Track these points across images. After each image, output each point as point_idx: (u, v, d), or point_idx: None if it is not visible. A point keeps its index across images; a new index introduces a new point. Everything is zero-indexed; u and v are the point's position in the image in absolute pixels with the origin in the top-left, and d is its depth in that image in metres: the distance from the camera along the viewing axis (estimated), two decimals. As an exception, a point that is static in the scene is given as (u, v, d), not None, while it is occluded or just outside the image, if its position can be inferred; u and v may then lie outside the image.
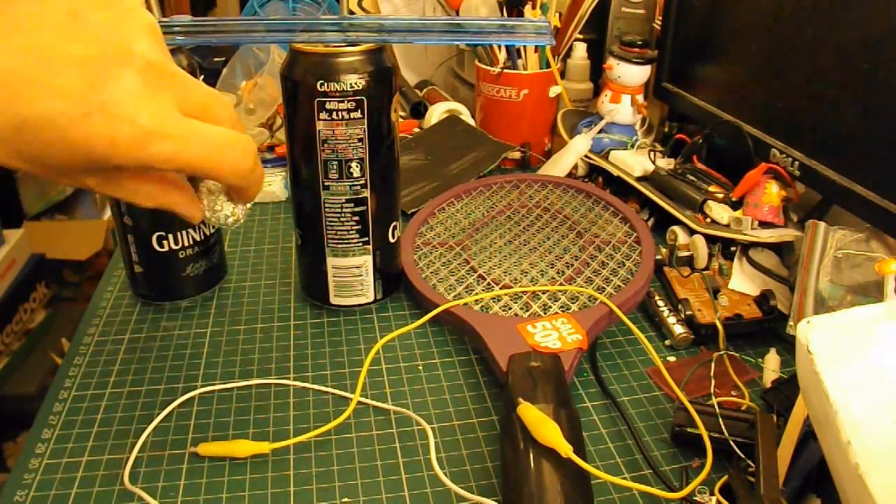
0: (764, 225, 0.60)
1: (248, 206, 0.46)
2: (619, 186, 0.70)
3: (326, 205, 0.51)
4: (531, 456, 0.36)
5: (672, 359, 0.51)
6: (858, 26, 0.51)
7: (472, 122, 0.87)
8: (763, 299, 0.53)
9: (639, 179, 0.69)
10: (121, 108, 0.28)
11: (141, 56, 0.29)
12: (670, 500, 0.39)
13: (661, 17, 0.78)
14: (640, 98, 0.76)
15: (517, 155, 0.82)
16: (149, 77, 0.29)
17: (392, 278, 0.57)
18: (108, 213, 1.75)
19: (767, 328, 0.53)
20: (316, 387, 0.48)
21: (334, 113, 0.48)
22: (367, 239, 0.53)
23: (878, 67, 0.50)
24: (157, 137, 0.29)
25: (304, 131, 0.49)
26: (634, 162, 0.70)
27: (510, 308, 0.52)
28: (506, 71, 0.81)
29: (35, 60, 0.28)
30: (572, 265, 0.57)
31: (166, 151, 0.30)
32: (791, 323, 0.50)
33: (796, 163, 0.57)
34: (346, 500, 0.40)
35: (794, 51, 0.58)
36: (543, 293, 0.54)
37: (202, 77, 0.88)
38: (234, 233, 0.68)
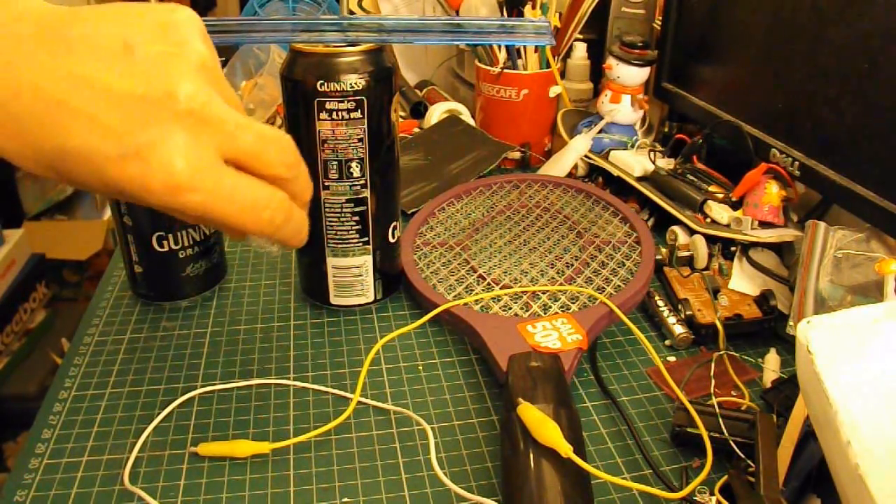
0: (764, 225, 0.60)
1: None
2: (619, 186, 0.70)
3: (326, 205, 0.51)
4: (531, 456, 0.36)
5: (672, 359, 0.51)
6: (858, 26, 0.51)
7: (472, 122, 0.87)
8: (763, 299, 0.53)
9: (639, 179, 0.69)
10: (157, 153, 0.28)
11: (186, 100, 0.29)
12: (670, 500, 0.39)
13: (661, 18, 0.78)
14: (640, 97, 0.76)
15: (517, 155, 0.82)
16: (191, 123, 0.29)
17: (392, 278, 0.57)
18: (108, 213, 1.75)
19: (767, 328, 0.53)
20: (316, 387, 0.48)
21: (334, 113, 0.48)
22: (367, 239, 0.53)
23: (878, 67, 0.50)
24: (188, 191, 0.29)
25: (304, 131, 0.49)
26: (634, 162, 0.70)
27: (510, 308, 0.52)
28: (506, 71, 0.81)
29: (82, 91, 0.28)
30: (572, 265, 0.57)
31: (196, 203, 0.29)
32: (791, 323, 0.50)
33: (796, 163, 0.57)
34: (346, 500, 0.40)
35: (794, 51, 0.58)
36: (543, 293, 0.54)
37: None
38: (234, 233, 0.68)
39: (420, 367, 0.50)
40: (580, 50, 0.88)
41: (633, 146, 0.74)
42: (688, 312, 0.52)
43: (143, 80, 0.28)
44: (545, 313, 0.51)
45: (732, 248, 0.59)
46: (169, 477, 0.41)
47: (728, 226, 0.60)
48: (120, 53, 0.28)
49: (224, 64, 0.92)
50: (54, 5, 0.29)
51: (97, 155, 0.28)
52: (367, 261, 0.54)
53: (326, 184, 0.51)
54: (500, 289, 0.54)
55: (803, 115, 0.57)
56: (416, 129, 0.87)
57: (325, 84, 0.47)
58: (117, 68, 0.28)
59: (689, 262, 0.60)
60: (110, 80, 0.28)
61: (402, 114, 0.91)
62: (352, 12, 0.97)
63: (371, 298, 0.56)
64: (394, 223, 0.55)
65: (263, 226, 0.32)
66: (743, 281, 0.56)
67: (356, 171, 0.50)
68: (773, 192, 0.59)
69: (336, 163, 0.50)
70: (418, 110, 0.91)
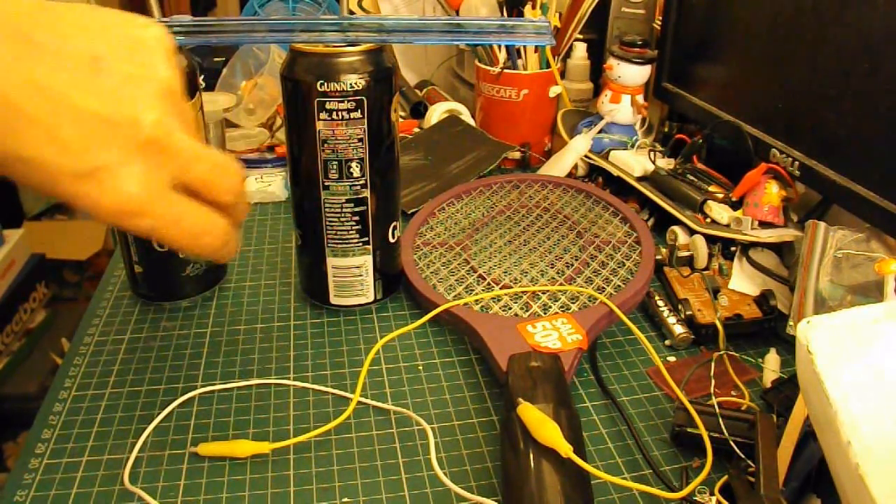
0: (764, 225, 0.60)
1: None
2: (619, 186, 0.70)
3: (326, 205, 0.51)
4: (531, 456, 0.36)
5: (672, 359, 0.51)
6: (858, 26, 0.51)
7: (472, 122, 0.87)
8: (763, 299, 0.53)
9: (639, 179, 0.69)
10: (113, 178, 0.28)
11: (149, 129, 0.29)
12: (670, 500, 0.39)
13: (661, 17, 0.78)
14: (640, 98, 0.76)
15: (517, 155, 0.82)
16: (148, 151, 0.29)
17: (392, 278, 0.57)
18: (108, 213, 1.74)
19: (767, 328, 0.53)
20: (316, 387, 0.48)
21: (334, 113, 0.48)
22: (367, 239, 0.53)
23: (878, 67, 0.50)
24: (137, 215, 0.30)
25: (304, 131, 0.49)
26: (634, 162, 0.70)
27: (510, 308, 0.52)
28: (506, 71, 0.81)
29: (43, 102, 0.27)
30: (572, 265, 0.57)
31: (142, 227, 0.30)
32: (791, 323, 0.50)
33: (796, 163, 0.57)
34: (346, 500, 0.40)
35: (793, 51, 0.58)
36: (543, 293, 0.54)
37: (202, 77, 0.88)
38: (234, 233, 0.68)
39: (420, 367, 0.50)
40: (580, 50, 0.88)
41: (633, 146, 0.74)
42: (688, 312, 0.52)
43: (108, 100, 0.28)
44: (545, 313, 0.51)
45: (732, 248, 0.59)
46: (169, 477, 0.41)
47: (728, 226, 0.60)
48: (86, 68, 0.28)
49: (224, 64, 0.92)
50: None
51: (51, 168, 0.28)
52: (367, 261, 0.54)
53: (326, 184, 0.51)
54: (500, 289, 0.54)
55: (803, 115, 0.57)
56: (416, 129, 0.87)
57: (325, 84, 0.47)
58: (83, 84, 0.28)
59: (689, 262, 0.60)
60: (74, 95, 0.28)
61: (402, 114, 0.91)
62: (352, 12, 0.97)
63: (371, 298, 0.56)
64: (394, 223, 0.55)
65: (202, 249, 0.33)
66: (743, 281, 0.56)
67: (356, 171, 0.50)
68: (773, 192, 0.59)
69: (336, 163, 0.50)
70: (418, 110, 0.91)
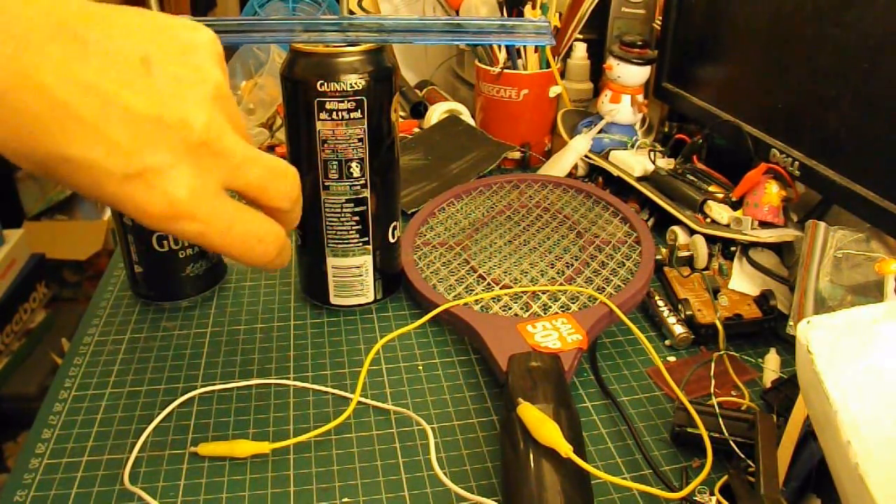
0: (764, 225, 0.60)
1: None
2: (619, 186, 0.70)
3: (326, 205, 0.51)
4: (531, 456, 0.36)
5: (672, 359, 0.51)
6: (858, 26, 0.51)
7: (472, 122, 0.87)
8: (763, 299, 0.53)
9: (639, 179, 0.69)
10: (161, 179, 0.28)
11: (200, 131, 0.28)
12: (670, 500, 0.39)
13: (661, 17, 0.78)
14: (640, 98, 0.76)
15: (517, 155, 0.82)
16: (199, 154, 0.28)
17: (392, 278, 0.57)
18: (108, 213, 1.75)
19: (767, 328, 0.53)
20: (316, 387, 0.48)
21: (334, 113, 0.48)
22: (367, 239, 0.53)
23: (878, 67, 0.50)
24: (185, 219, 0.29)
25: (304, 131, 0.49)
26: (634, 162, 0.70)
27: (510, 308, 0.52)
28: (506, 71, 0.81)
29: (92, 100, 0.26)
30: (572, 265, 0.57)
31: (191, 232, 0.29)
32: (791, 323, 0.50)
33: (796, 163, 0.57)
34: (346, 500, 0.40)
35: (794, 51, 0.58)
36: (543, 293, 0.54)
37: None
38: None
39: (420, 367, 0.50)
40: (580, 50, 0.88)
41: (633, 146, 0.74)
42: (688, 312, 0.52)
43: (158, 101, 0.27)
44: (545, 313, 0.51)
45: (732, 248, 0.59)
46: (169, 477, 0.41)
47: (728, 226, 0.60)
48: (137, 68, 0.27)
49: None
50: None
51: (98, 169, 0.27)
52: (367, 261, 0.54)
53: (326, 184, 0.51)
54: (500, 289, 0.54)
55: (803, 115, 0.57)
56: (416, 129, 0.87)
57: (325, 84, 0.47)
58: (133, 84, 0.27)
59: (689, 262, 0.60)
60: (124, 95, 0.27)
61: (402, 114, 0.91)
62: (352, 12, 0.97)
63: (371, 298, 0.56)
64: (394, 223, 0.55)
65: (255, 258, 0.32)
66: (743, 281, 0.56)
67: (356, 171, 0.50)
68: (773, 192, 0.59)
69: (336, 163, 0.50)
70: (418, 110, 0.91)
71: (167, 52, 0.28)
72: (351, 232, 0.52)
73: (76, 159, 0.27)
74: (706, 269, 0.59)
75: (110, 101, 0.27)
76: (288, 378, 0.49)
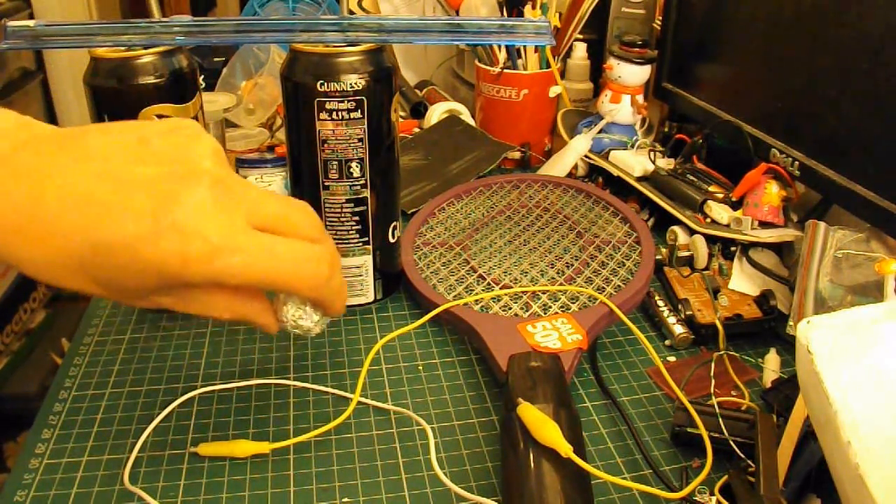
0: (764, 225, 0.60)
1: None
2: (619, 186, 0.70)
3: (326, 205, 0.51)
4: (531, 456, 0.36)
5: (672, 359, 0.51)
6: (858, 26, 0.51)
7: (472, 122, 0.87)
8: (763, 299, 0.53)
9: (639, 179, 0.69)
10: (190, 224, 0.29)
11: (209, 173, 0.30)
12: (670, 500, 0.39)
13: (661, 17, 0.78)
14: (640, 98, 0.76)
15: (517, 155, 0.82)
16: (218, 193, 0.30)
17: (392, 278, 0.57)
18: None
19: (767, 328, 0.52)
20: (316, 387, 0.48)
21: (334, 113, 0.48)
22: (367, 239, 0.53)
23: (878, 67, 0.50)
24: (227, 253, 0.29)
25: (304, 131, 0.49)
26: (634, 162, 0.70)
27: (510, 308, 0.52)
28: (506, 71, 0.81)
29: (108, 184, 0.28)
30: (572, 265, 0.57)
31: (235, 266, 0.30)
32: (791, 323, 0.50)
33: (796, 163, 0.57)
34: (346, 500, 0.40)
35: (794, 51, 0.58)
36: (543, 293, 0.54)
37: (202, 77, 0.88)
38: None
39: (420, 367, 0.50)
40: (580, 50, 0.88)
41: (633, 146, 0.74)
42: (688, 312, 0.52)
43: (165, 163, 0.30)
44: (545, 313, 0.51)
45: (732, 248, 0.59)
46: (169, 477, 0.41)
47: (728, 226, 0.60)
48: (138, 147, 0.30)
49: (224, 64, 0.92)
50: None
51: (133, 238, 0.28)
52: (367, 261, 0.54)
53: (326, 184, 0.51)
54: (500, 289, 0.54)
55: (803, 115, 0.57)
56: (416, 129, 0.87)
57: (325, 84, 0.47)
58: (139, 159, 0.29)
59: (689, 262, 0.60)
60: (134, 169, 0.29)
61: (402, 114, 0.91)
62: (352, 12, 0.97)
63: (371, 298, 0.56)
64: (394, 223, 0.55)
65: (309, 279, 0.32)
66: (743, 281, 0.56)
67: (356, 171, 0.50)
68: (773, 192, 0.59)
69: (336, 163, 0.50)
70: (418, 110, 0.91)
71: (160, 132, 0.31)
72: (351, 232, 0.52)
73: (107, 239, 0.28)
74: (706, 269, 0.59)
75: (122, 177, 0.29)
76: (288, 378, 0.49)
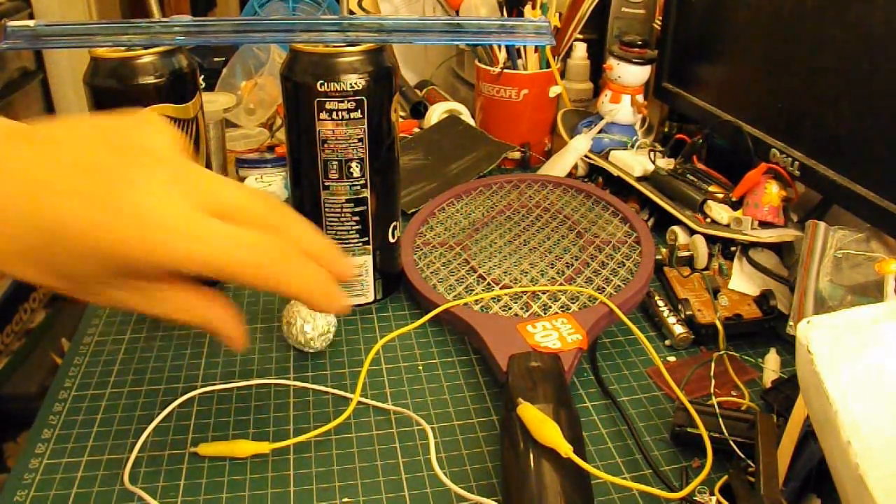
0: (764, 225, 0.60)
1: (331, 322, 0.49)
2: (619, 186, 0.70)
3: (326, 205, 0.51)
4: (531, 456, 0.36)
5: (672, 359, 0.51)
6: (858, 26, 0.51)
7: (472, 122, 0.87)
8: (763, 299, 0.53)
9: (639, 179, 0.69)
10: (139, 208, 0.29)
11: (165, 160, 0.31)
12: (670, 500, 0.39)
13: (661, 17, 0.78)
14: (640, 98, 0.76)
15: (517, 155, 0.82)
16: (172, 179, 0.30)
17: (392, 278, 0.57)
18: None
19: (767, 328, 0.52)
20: (316, 387, 0.48)
21: (334, 113, 0.48)
22: (367, 239, 0.53)
23: (878, 67, 0.50)
24: (173, 236, 0.29)
25: (304, 131, 0.49)
26: (634, 162, 0.70)
27: (510, 308, 0.52)
28: (506, 71, 0.81)
29: (63, 170, 0.29)
30: (572, 265, 0.57)
31: (181, 250, 0.30)
32: (791, 323, 0.50)
33: (796, 163, 0.57)
34: (346, 500, 0.40)
35: (794, 51, 0.58)
36: (543, 293, 0.54)
37: (202, 77, 0.88)
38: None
39: (420, 367, 0.50)
40: (580, 50, 0.88)
41: (633, 146, 0.74)
42: (688, 312, 0.52)
43: (122, 149, 0.30)
44: (545, 313, 0.51)
45: (732, 248, 0.59)
46: (169, 477, 0.41)
47: (728, 226, 0.60)
48: (96, 136, 0.31)
49: (224, 64, 0.92)
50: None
51: (83, 221, 0.28)
52: (367, 261, 0.54)
53: (326, 184, 0.51)
54: (500, 289, 0.54)
55: (803, 115, 0.57)
56: (416, 129, 0.87)
57: (325, 84, 0.47)
58: (95, 146, 0.30)
59: (689, 262, 0.60)
60: (89, 156, 0.30)
61: (402, 114, 0.91)
62: (352, 12, 0.97)
63: (371, 298, 0.56)
64: (394, 223, 0.55)
65: (255, 265, 0.31)
66: (743, 281, 0.56)
67: (356, 171, 0.50)
68: (773, 192, 0.59)
69: (336, 163, 0.50)
70: (418, 110, 0.91)
71: (121, 121, 0.32)
72: (351, 232, 0.52)
73: (62, 222, 0.28)
74: (706, 269, 0.59)
75: (78, 164, 0.29)
76: (288, 378, 0.49)
